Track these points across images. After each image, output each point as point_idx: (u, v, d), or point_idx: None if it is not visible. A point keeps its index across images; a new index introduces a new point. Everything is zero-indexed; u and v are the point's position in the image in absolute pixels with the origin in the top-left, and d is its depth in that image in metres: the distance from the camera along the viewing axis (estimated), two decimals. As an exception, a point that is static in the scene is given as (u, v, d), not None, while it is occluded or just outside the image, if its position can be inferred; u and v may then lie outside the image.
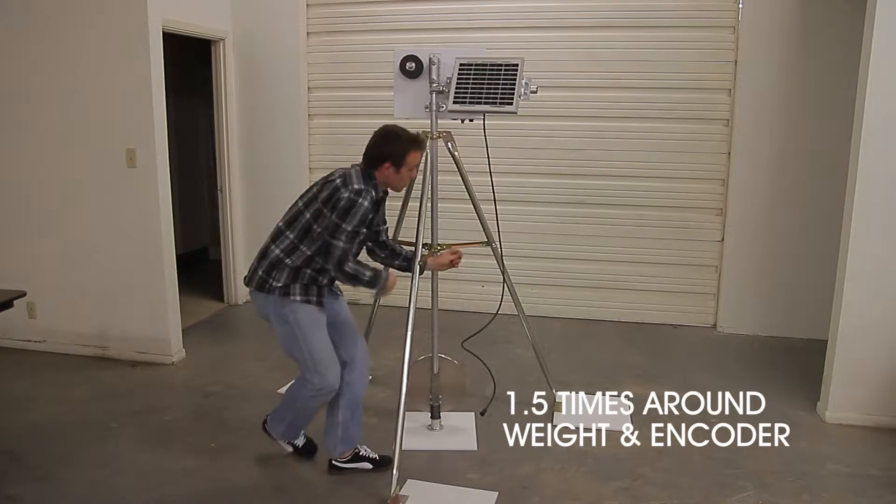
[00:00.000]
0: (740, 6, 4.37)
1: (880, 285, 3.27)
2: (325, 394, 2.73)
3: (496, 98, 2.86)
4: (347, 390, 2.81)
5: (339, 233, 2.58)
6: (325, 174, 2.73)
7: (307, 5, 4.98)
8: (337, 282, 2.79)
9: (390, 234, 3.35)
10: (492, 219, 3.19)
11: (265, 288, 2.65)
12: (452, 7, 4.79)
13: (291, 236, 2.64)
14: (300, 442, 2.95)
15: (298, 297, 2.64)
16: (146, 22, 3.75)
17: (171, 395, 3.72)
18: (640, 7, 4.52)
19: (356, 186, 2.58)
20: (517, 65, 2.88)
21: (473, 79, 2.91)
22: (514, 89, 2.84)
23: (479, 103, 2.88)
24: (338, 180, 2.62)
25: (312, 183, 2.75)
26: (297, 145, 5.10)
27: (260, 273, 2.67)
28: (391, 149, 2.67)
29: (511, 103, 2.83)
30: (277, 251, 2.65)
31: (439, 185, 3.11)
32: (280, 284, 2.63)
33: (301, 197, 2.71)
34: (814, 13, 4.22)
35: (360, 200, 2.56)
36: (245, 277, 2.76)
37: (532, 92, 2.88)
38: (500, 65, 2.89)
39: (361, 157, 2.72)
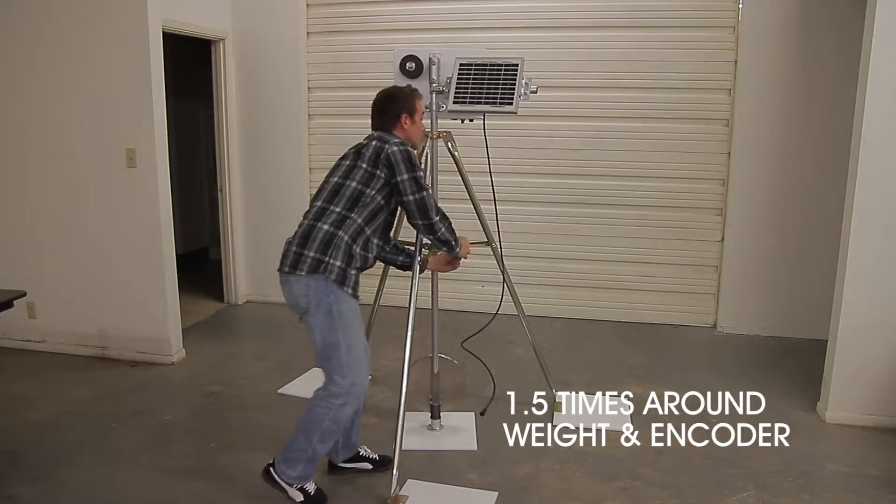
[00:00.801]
0: (740, 6, 4.37)
1: (880, 285, 3.27)
2: (356, 395, 2.55)
3: (496, 98, 2.86)
4: None
5: (420, 181, 2.57)
6: (353, 148, 2.65)
7: (307, 5, 4.99)
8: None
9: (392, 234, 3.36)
10: (492, 219, 3.20)
11: (320, 269, 2.45)
12: (452, 7, 4.79)
13: (338, 209, 2.52)
14: (311, 489, 2.61)
15: (349, 290, 2.50)
16: (146, 22, 3.75)
17: (171, 395, 3.72)
18: (640, 7, 4.52)
19: (396, 139, 2.60)
20: (517, 65, 2.88)
21: (473, 79, 2.91)
22: (514, 89, 2.84)
23: (479, 103, 2.88)
24: (374, 143, 2.58)
25: (335, 164, 2.65)
26: (297, 145, 5.10)
27: (312, 254, 2.46)
28: (401, 103, 2.71)
29: (511, 103, 2.83)
30: (326, 226, 2.49)
31: (439, 185, 3.11)
32: (339, 265, 2.46)
33: (332, 174, 2.61)
34: (814, 13, 4.22)
35: (408, 148, 2.59)
36: (285, 265, 2.51)
37: (532, 92, 2.88)
38: (500, 65, 2.89)
39: (373, 130, 2.72)
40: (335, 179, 2.60)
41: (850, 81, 3.35)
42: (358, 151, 2.61)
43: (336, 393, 2.52)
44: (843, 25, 4.02)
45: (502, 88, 2.86)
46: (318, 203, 2.58)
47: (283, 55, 5.00)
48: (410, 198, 2.56)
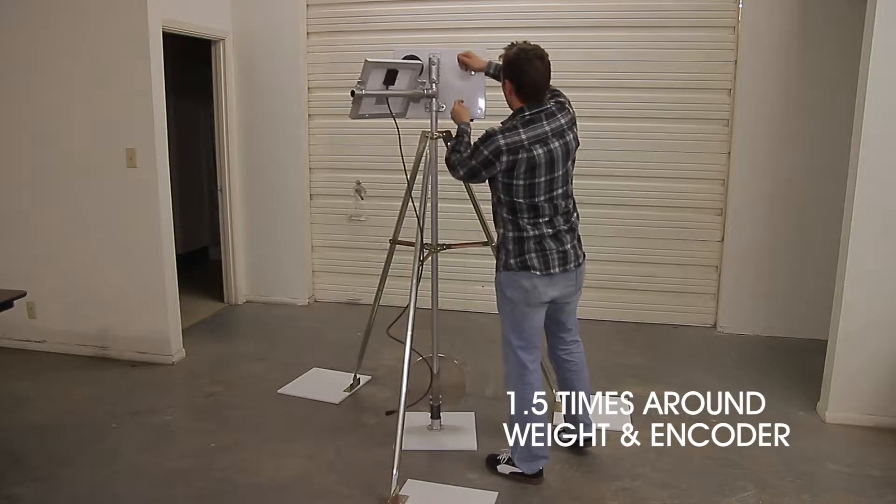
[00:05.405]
0: (740, 6, 4.37)
1: (880, 285, 3.27)
2: None
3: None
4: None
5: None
6: (557, 114, 2.82)
7: (307, 5, 4.99)
8: None
9: (392, 234, 3.36)
10: (489, 218, 3.18)
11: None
12: (452, 7, 4.79)
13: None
14: None
15: None
16: (146, 22, 3.75)
17: (171, 395, 3.72)
18: (640, 7, 4.52)
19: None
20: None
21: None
22: None
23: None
24: (572, 114, 2.84)
25: (564, 131, 2.75)
26: (297, 145, 5.10)
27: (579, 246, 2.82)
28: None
29: None
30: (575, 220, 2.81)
31: (439, 184, 3.11)
32: None
33: (564, 158, 2.70)
34: (814, 13, 4.22)
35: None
36: (574, 262, 2.77)
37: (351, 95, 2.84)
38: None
39: (539, 93, 2.81)
40: (567, 166, 2.75)
41: (850, 81, 3.35)
42: (570, 124, 2.80)
43: None
44: (843, 25, 4.02)
45: None
46: (564, 194, 2.73)
47: (283, 55, 4.99)
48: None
